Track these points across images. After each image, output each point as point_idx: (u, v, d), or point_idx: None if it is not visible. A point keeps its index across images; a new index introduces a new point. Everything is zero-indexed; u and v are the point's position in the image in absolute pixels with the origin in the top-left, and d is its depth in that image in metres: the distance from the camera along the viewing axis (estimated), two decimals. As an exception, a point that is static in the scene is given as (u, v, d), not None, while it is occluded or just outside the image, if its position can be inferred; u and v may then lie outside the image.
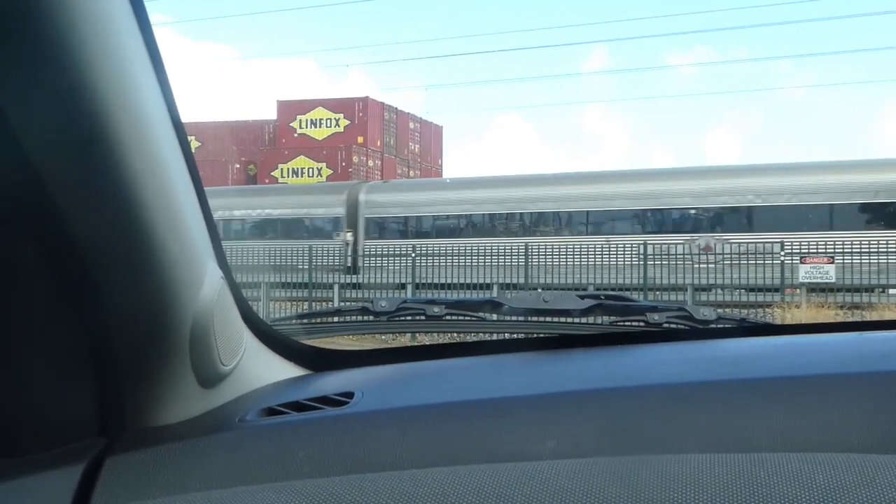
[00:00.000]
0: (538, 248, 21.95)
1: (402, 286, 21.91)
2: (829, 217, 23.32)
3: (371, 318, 1.84)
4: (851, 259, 20.04)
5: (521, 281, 21.22)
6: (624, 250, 21.05)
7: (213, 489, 1.10)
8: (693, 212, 25.20)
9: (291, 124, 43.04)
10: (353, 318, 1.89)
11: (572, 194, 26.01)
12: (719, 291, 20.39)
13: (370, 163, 42.65)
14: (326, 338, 1.85)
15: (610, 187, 25.76)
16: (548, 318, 1.81)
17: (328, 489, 1.05)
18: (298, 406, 1.30)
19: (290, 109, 43.40)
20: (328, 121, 42.83)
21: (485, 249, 21.96)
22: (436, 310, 1.83)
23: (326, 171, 41.31)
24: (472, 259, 21.78)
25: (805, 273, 20.23)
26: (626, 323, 1.81)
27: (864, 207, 23.35)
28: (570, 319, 1.79)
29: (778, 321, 16.28)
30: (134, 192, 1.04)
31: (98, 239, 1.06)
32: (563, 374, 1.44)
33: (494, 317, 1.86)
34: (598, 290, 14.87)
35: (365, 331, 1.92)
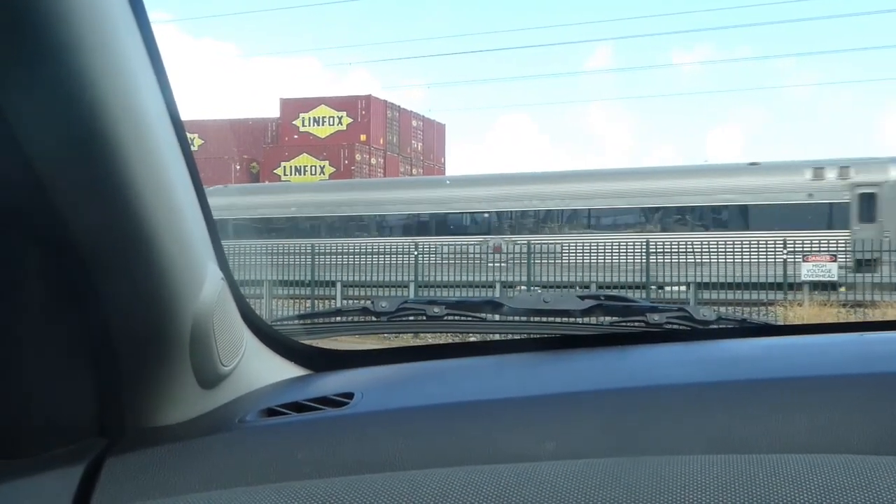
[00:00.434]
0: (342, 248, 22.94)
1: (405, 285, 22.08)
2: (594, 219, 26.17)
3: (372, 318, 1.84)
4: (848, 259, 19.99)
5: (364, 278, 21.86)
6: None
7: (212, 490, 1.10)
8: (486, 215, 27.65)
9: (294, 122, 43.07)
10: (354, 318, 1.89)
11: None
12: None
13: (373, 160, 42.69)
14: (327, 338, 1.85)
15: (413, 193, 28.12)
16: (548, 319, 1.81)
17: (327, 490, 1.05)
18: (298, 407, 1.30)
19: (292, 107, 43.43)
20: (331, 119, 42.87)
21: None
22: (436, 310, 1.83)
23: (329, 169, 41.34)
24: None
25: (807, 271, 20.20)
26: (627, 323, 1.80)
27: (618, 211, 26.11)
28: (570, 320, 1.79)
29: (780, 320, 16.26)
30: (133, 193, 1.04)
31: (98, 239, 1.06)
32: (564, 375, 1.44)
33: (495, 317, 1.86)
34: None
35: (365, 331, 1.92)
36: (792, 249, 20.15)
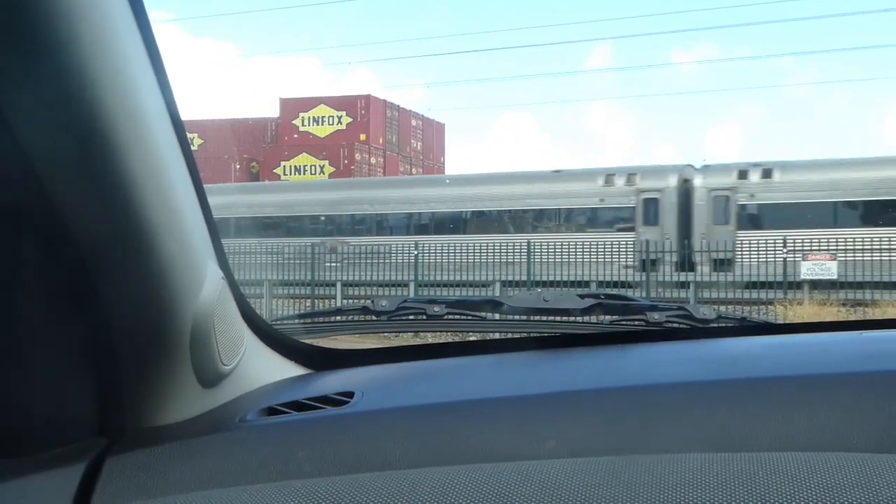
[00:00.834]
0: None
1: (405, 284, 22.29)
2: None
3: (372, 317, 1.84)
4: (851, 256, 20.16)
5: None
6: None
7: (213, 489, 1.10)
8: (323, 218, 29.64)
9: (294, 122, 43.08)
10: (354, 317, 1.89)
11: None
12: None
13: (372, 160, 42.70)
14: (328, 337, 1.85)
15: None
16: (548, 318, 1.81)
17: (328, 489, 1.05)
18: (298, 406, 1.31)
19: (292, 107, 43.43)
20: (330, 118, 42.88)
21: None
22: (436, 309, 1.83)
23: (329, 169, 41.35)
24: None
25: (807, 270, 20.22)
26: (626, 322, 1.81)
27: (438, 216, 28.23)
28: (570, 319, 1.79)
29: (780, 318, 16.27)
30: (133, 193, 1.04)
31: (98, 239, 1.07)
32: (563, 374, 1.45)
33: (495, 316, 1.86)
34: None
35: (365, 330, 1.92)
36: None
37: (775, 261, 20.30)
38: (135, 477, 1.12)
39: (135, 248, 1.08)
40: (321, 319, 1.89)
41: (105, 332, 1.13)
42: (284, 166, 42.01)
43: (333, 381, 1.45)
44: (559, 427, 1.19)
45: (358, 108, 42.84)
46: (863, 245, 19.96)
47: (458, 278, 21.18)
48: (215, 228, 1.29)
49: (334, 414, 1.27)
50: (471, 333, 2.09)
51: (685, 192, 25.08)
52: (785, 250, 21.01)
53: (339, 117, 42.81)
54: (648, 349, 1.59)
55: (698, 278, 20.97)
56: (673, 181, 25.26)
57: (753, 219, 24.56)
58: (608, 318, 1.83)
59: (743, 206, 24.47)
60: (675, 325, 1.74)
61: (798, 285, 20.02)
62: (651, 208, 25.26)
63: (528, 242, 22.43)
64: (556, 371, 1.47)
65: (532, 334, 1.87)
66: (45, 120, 0.96)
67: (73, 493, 1.09)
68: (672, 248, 22.32)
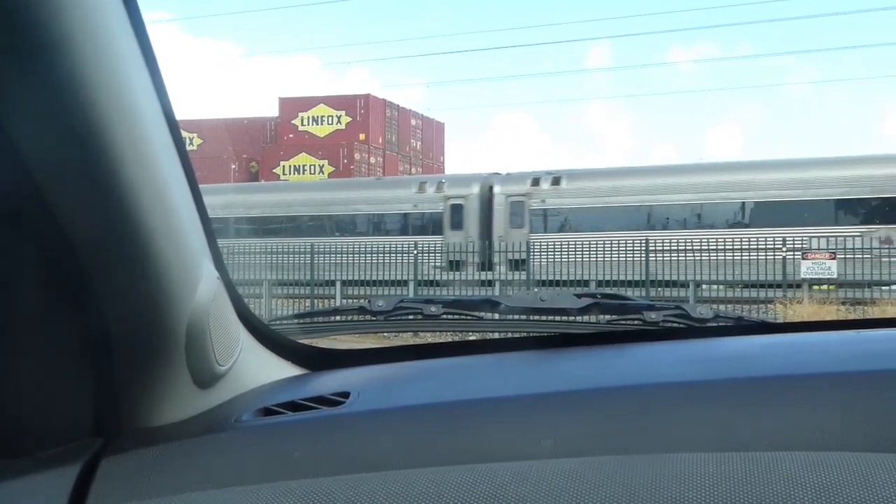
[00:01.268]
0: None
1: (405, 283, 22.41)
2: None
3: (369, 317, 1.84)
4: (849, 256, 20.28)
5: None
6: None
7: (208, 489, 1.10)
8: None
9: (293, 121, 43.06)
10: (351, 317, 1.89)
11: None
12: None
13: (372, 160, 42.68)
14: (326, 337, 1.85)
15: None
16: (545, 317, 1.81)
17: (323, 489, 1.05)
18: (294, 406, 1.30)
19: (291, 106, 43.41)
20: (330, 118, 42.86)
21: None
22: (433, 309, 1.83)
23: (328, 169, 41.35)
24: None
25: (807, 269, 20.25)
26: (623, 321, 1.81)
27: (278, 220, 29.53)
28: (567, 318, 1.79)
29: (780, 317, 16.28)
30: (128, 193, 1.04)
31: (93, 240, 1.07)
32: (560, 374, 1.44)
33: (492, 316, 1.86)
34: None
35: (362, 330, 1.93)
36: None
37: (565, 261, 22.33)
38: (130, 477, 1.12)
39: (130, 248, 1.08)
40: (318, 319, 1.89)
41: (101, 333, 1.13)
42: (284, 166, 41.99)
43: (329, 382, 1.45)
44: (556, 427, 1.19)
45: (357, 107, 42.81)
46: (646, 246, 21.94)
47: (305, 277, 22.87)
48: (211, 228, 1.29)
49: (330, 414, 1.27)
50: (468, 333, 2.09)
51: (487, 199, 27.32)
52: (784, 249, 21.07)
53: (339, 117, 42.78)
54: (645, 349, 1.59)
55: (500, 277, 22.98)
56: (476, 189, 27.61)
57: (545, 222, 26.89)
58: (605, 317, 1.83)
59: (534, 211, 26.84)
60: (672, 324, 1.74)
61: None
62: (457, 213, 27.53)
63: (528, 242, 22.81)
64: (553, 371, 1.46)
65: (529, 334, 1.87)
66: (40, 121, 0.96)
67: (68, 493, 1.09)
68: (475, 248, 25.03)
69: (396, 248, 23.38)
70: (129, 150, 1.02)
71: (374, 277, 22.53)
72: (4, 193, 1.00)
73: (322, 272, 23.32)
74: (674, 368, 1.39)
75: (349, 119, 42.63)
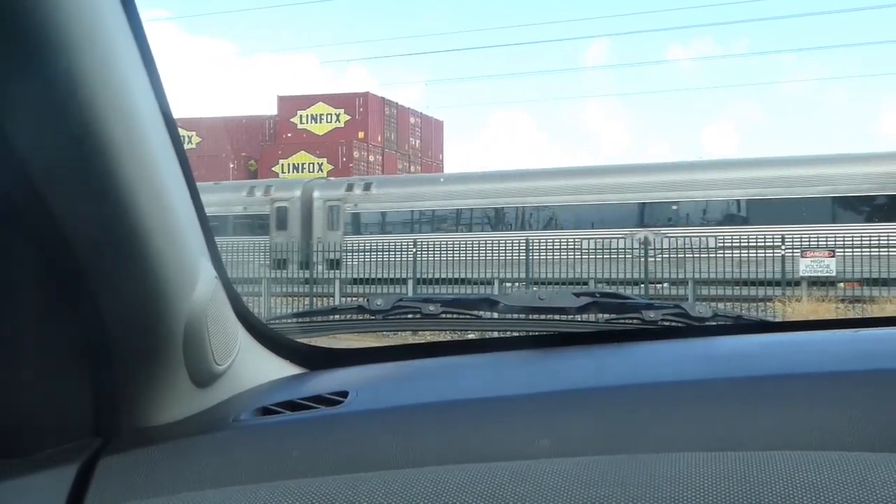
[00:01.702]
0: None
1: (403, 281, 22.47)
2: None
3: (367, 316, 1.84)
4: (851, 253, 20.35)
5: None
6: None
7: (206, 489, 1.10)
8: None
9: (292, 120, 43.04)
10: (349, 316, 1.89)
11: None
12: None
13: (371, 158, 42.67)
14: (324, 336, 1.85)
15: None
16: (543, 316, 1.81)
17: (321, 489, 1.05)
18: (293, 405, 1.30)
19: (290, 105, 43.38)
20: (329, 116, 42.83)
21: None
22: (431, 308, 1.83)
23: (327, 167, 41.32)
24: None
25: (806, 267, 20.28)
26: (622, 320, 1.80)
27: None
28: (565, 317, 1.79)
29: (779, 315, 16.29)
30: (125, 193, 1.04)
31: (90, 240, 1.06)
32: (559, 373, 1.44)
33: (491, 315, 1.86)
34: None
35: (360, 329, 1.92)
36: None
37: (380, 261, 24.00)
38: (129, 477, 1.12)
39: (128, 248, 1.08)
40: (316, 319, 1.89)
41: (99, 333, 1.13)
42: (282, 164, 41.97)
43: (328, 381, 1.45)
44: (554, 426, 1.19)
45: (356, 105, 42.78)
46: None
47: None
48: (209, 227, 1.29)
49: (328, 414, 1.27)
50: (466, 332, 2.09)
51: (308, 203, 29.63)
52: (783, 247, 21.09)
53: (338, 115, 42.76)
54: (644, 348, 1.59)
55: (316, 276, 24.26)
56: (298, 193, 29.99)
57: (356, 225, 29.26)
58: (604, 316, 1.82)
59: (348, 214, 29.33)
60: (671, 323, 1.74)
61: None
62: (282, 216, 29.85)
63: (527, 240, 22.86)
64: (552, 370, 1.46)
65: (527, 333, 1.87)
66: (37, 121, 0.96)
67: (66, 492, 1.09)
68: (297, 248, 26.56)
69: (223, 247, 24.12)
70: (126, 150, 1.02)
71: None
72: (2, 194, 1.00)
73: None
74: (672, 367, 1.39)
75: (348, 117, 42.60)
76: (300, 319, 1.91)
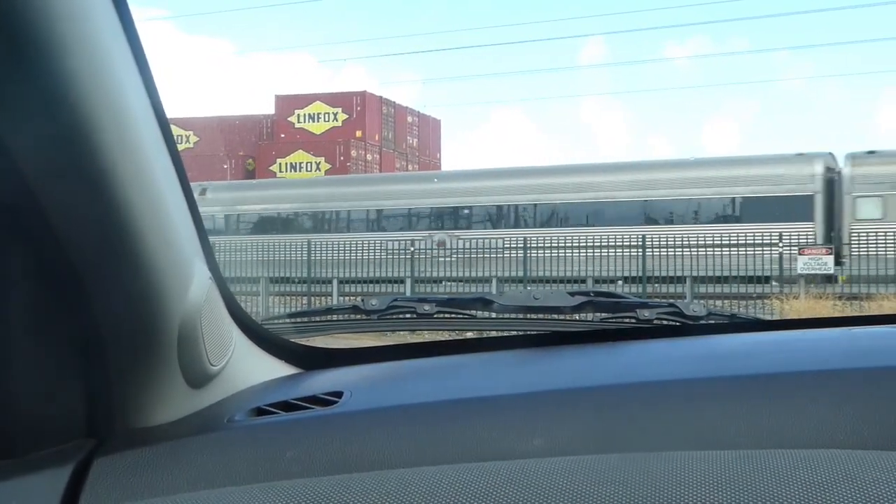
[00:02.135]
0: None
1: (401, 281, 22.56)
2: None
3: (362, 316, 1.84)
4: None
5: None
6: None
7: (200, 490, 1.10)
8: None
9: (289, 119, 43.02)
10: (344, 316, 1.89)
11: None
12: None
13: (368, 157, 42.66)
14: (319, 336, 1.85)
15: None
16: (538, 316, 1.81)
17: (316, 489, 1.05)
18: (287, 406, 1.30)
19: (287, 104, 43.36)
20: (326, 115, 42.81)
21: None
22: (426, 308, 1.83)
23: (325, 166, 41.31)
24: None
25: (803, 264, 20.31)
26: (617, 319, 1.80)
27: None
28: (560, 316, 1.79)
29: (777, 312, 16.31)
30: (118, 194, 1.04)
31: (84, 240, 1.06)
32: (554, 372, 1.44)
33: (486, 314, 1.86)
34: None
35: (355, 329, 1.92)
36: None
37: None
38: (123, 478, 1.12)
39: (121, 248, 1.08)
40: (312, 319, 1.89)
41: (92, 334, 1.13)
42: (280, 163, 41.95)
43: (322, 381, 1.45)
44: (549, 425, 1.19)
45: (353, 104, 42.76)
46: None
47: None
48: (203, 227, 1.29)
49: (322, 414, 1.27)
50: (461, 332, 2.09)
51: None
52: (781, 245, 21.13)
53: (335, 114, 42.74)
54: (639, 346, 1.59)
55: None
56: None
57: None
58: (599, 315, 1.82)
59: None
60: (666, 322, 1.74)
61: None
62: None
63: (525, 239, 22.88)
64: (546, 369, 1.46)
65: (523, 332, 1.87)
66: (29, 122, 0.96)
67: (60, 494, 1.09)
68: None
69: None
70: (119, 150, 1.02)
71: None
72: None
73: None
74: (667, 366, 1.39)
75: (345, 116, 42.59)
76: (295, 319, 1.91)
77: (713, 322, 1.78)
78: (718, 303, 17.27)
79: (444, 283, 23.54)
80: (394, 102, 45.32)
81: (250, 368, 1.46)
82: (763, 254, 21.32)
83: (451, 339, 1.83)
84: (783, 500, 0.97)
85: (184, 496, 1.09)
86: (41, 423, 1.16)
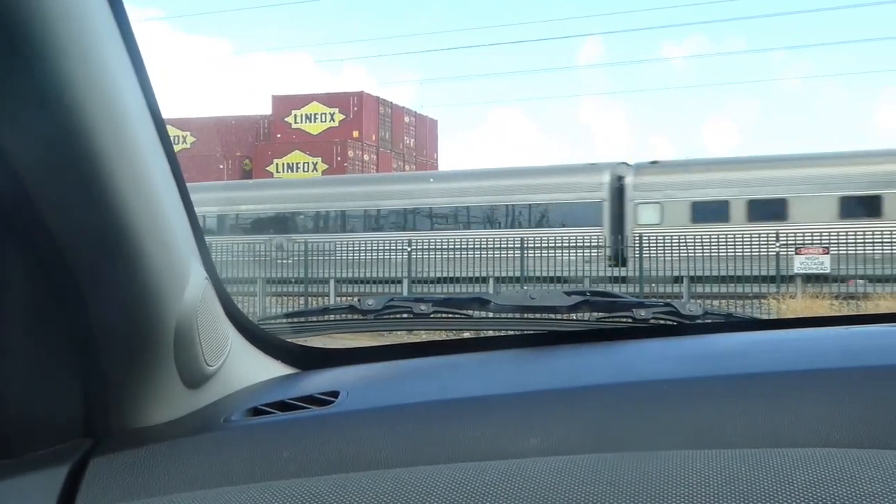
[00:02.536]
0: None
1: (399, 281, 22.58)
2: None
3: (359, 316, 1.84)
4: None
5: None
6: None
7: (197, 490, 1.10)
8: None
9: (286, 119, 42.97)
10: (341, 316, 1.89)
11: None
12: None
13: (365, 157, 42.63)
14: (316, 336, 1.85)
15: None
16: (535, 315, 1.82)
17: (312, 489, 1.05)
18: (284, 406, 1.30)
19: (284, 104, 43.31)
20: (323, 115, 42.77)
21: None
22: (423, 307, 1.83)
23: (322, 166, 41.28)
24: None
25: (800, 264, 20.34)
26: (613, 319, 1.81)
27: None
28: (557, 316, 1.79)
29: (773, 312, 16.33)
30: (115, 195, 1.04)
31: (81, 241, 1.06)
32: (550, 372, 1.44)
33: (482, 314, 1.86)
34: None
35: (352, 329, 1.93)
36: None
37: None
38: (119, 478, 1.12)
39: (118, 249, 1.08)
40: (308, 319, 1.89)
41: (89, 334, 1.13)
42: (277, 164, 41.91)
43: (319, 381, 1.45)
44: (545, 425, 1.19)
45: (350, 104, 42.73)
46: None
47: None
48: (199, 228, 1.29)
49: (319, 414, 1.27)
50: (458, 331, 2.09)
51: None
52: (777, 244, 21.18)
53: (332, 114, 42.70)
54: (635, 346, 1.59)
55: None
56: None
57: None
58: (595, 315, 1.83)
59: None
60: (662, 321, 1.75)
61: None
62: None
63: (522, 239, 23.02)
64: (543, 368, 1.47)
65: (519, 332, 1.87)
66: (25, 123, 0.96)
67: (57, 493, 1.09)
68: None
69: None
70: (115, 151, 1.02)
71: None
72: None
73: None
74: (663, 365, 1.40)
75: (342, 116, 42.56)
76: (291, 319, 1.91)
77: (709, 321, 1.78)
78: (715, 302, 17.29)
79: (441, 283, 23.62)
80: (391, 103, 45.30)
81: (247, 368, 1.46)
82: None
83: (447, 338, 1.83)
84: (779, 499, 0.97)
85: (180, 496, 1.09)
86: (38, 423, 1.16)
